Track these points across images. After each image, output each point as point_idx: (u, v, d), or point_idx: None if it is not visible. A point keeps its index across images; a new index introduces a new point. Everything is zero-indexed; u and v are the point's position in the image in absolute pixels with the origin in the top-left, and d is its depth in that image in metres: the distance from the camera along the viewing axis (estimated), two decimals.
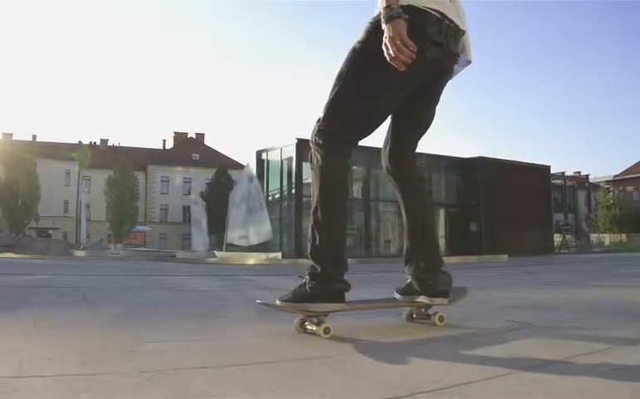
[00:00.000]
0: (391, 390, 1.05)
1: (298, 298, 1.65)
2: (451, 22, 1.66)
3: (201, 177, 45.36)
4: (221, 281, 5.33)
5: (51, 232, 37.25)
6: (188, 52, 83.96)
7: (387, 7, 1.53)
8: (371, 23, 1.67)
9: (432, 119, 1.88)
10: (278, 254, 14.67)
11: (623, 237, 35.37)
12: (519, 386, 1.06)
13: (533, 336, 1.68)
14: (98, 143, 50.48)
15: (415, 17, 1.54)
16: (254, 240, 15.93)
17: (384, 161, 1.90)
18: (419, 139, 1.90)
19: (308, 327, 1.65)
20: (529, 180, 20.76)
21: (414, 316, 1.90)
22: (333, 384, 1.11)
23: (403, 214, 1.90)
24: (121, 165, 40.58)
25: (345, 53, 1.71)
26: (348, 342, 1.53)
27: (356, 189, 18.18)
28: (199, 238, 21.59)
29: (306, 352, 1.43)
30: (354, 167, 15.77)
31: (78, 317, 2.23)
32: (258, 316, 2.09)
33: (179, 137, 53.82)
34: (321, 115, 1.71)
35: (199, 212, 22.35)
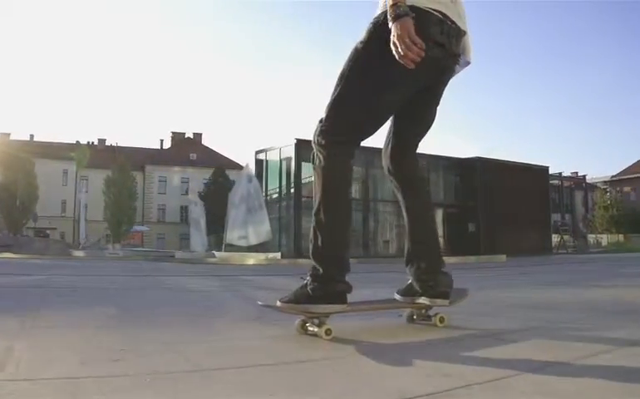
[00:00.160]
0: (393, 393, 1.05)
1: (300, 299, 1.64)
2: (453, 22, 1.66)
3: (199, 177, 45.35)
4: (221, 281, 5.32)
5: (48, 232, 37.18)
6: (185, 52, 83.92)
7: (394, 5, 1.52)
8: (372, 23, 1.67)
9: (433, 119, 1.89)
10: (278, 254, 14.67)
11: (621, 237, 35.46)
12: (520, 388, 1.06)
13: (533, 337, 1.68)
14: (96, 143, 50.39)
15: (417, 18, 1.54)
16: (253, 240, 15.92)
17: (385, 162, 1.90)
18: (420, 139, 1.90)
19: (310, 328, 1.64)
20: (528, 181, 20.81)
21: (414, 317, 1.89)
22: (334, 386, 1.11)
23: (404, 214, 1.90)
24: (120, 165, 40.48)
25: (344, 53, 1.71)
26: (350, 344, 1.53)
27: (355, 190, 18.17)
28: (198, 238, 21.60)
29: (307, 353, 1.43)
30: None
31: (77, 317, 2.23)
32: (258, 317, 2.09)
33: (177, 137, 53.73)
34: (323, 115, 1.71)
35: (198, 212, 22.36)
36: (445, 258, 1.90)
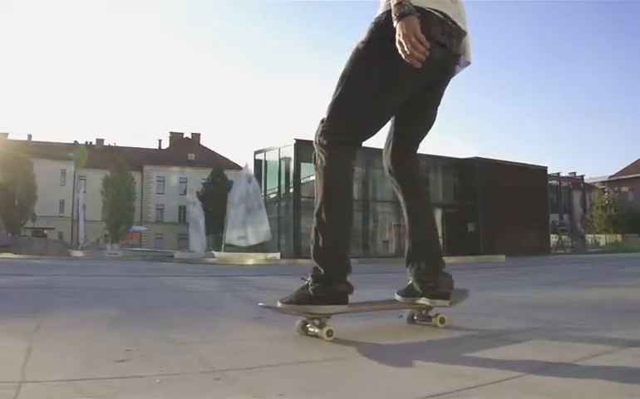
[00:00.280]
0: (395, 394, 1.05)
1: (301, 300, 1.64)
2: (454, 22, 1.66)
3: (197, 177, 45.29)
4: (221, 282, 5.32)
5: (46, 232, 37.09)
6: (184, 52, 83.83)
7: (399, 4, 1.52)
8: (374, 23, 1.67)
9: (434, 119, 1.89)
10: (277, 254, 14.67)
11: (619, 237, 35.52)
12: (522, 389, 1.06)
13: (534, 338, 1.68)
14: (94, 143, 50.29)
15: (419, 18, 1.54)
16: (253, 240, 15.93)
17: (386, 162, 1.89)
18: (421, 140, 1.90)
19: (310, 329, 1.64)
20: (526, 181, 20.86)
21: (415, 318, 1.89)
22: (337, 388, 1.11)
23: (405, 215, 1.89)
24: (118, 165, 40.43)
25: (344, 54, 1.71)
26: (351, 345, 1.53)
27: (354, 190, 18.16)
28: (197, 238, 21.59)
29: (308, 355, 1.43)
30: None
31: (80, 318, 2.23)
32: (259, 317, 2.08)
33: (175, 137, 53.66)
34: (324, 115, 1.70)
35: (197, 212, 22.34)
36: (444, 259, 1.90)
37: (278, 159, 18.33)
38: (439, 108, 1.87)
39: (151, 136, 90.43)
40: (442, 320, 1.80)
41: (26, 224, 36.78)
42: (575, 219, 31.80)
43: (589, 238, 34.98)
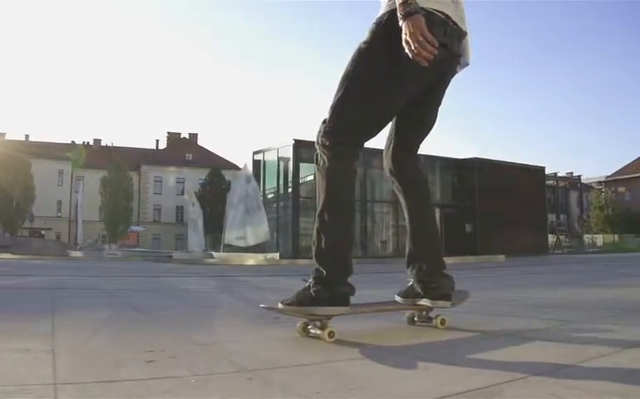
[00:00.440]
0: (396, 395, 1.05)
1: (303, 301, 1.63)
2: (454, 23, 1.66)
3: (194, 177, 45.22)
4: (221, 282, 5.32)
5: (43, 232, 37.02)
6: (181, 52, 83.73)
7: (404, 3, 1.50)
8: (375, 23, 1.66)
9: (435, 120, 1.88)
10: (276, 255, 14.65)
11: (616, 237, 35.63)
12: (522, 392, 1.06)
13: (535, 338, 1.67)
14: (91, 143, 50.19)
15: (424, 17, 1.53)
16: (252, 241, 15.91)
17: (387, 162, 1.89)
18: (422, 140, 1.90)
19: (312, 330, 1.63)
20: (524, 181, 20.89)
21: (415, 319, 1.89)
22: (340, 389, 1.10)
23: (405, 215, 1.89)
24: (116, 165, 40.35)
25: (343, 54, 1.71)
26: (352, 347, 1.52)
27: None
28: (196, 238, 21.57)
29: (309, 356, 1.42)
30: None
31: (94, 319, 2.19)
32: (259, 319, 2.07)
33: (173, 137, 53.59)
34: (326, 116, 1.69)
35: (196, 213, 22.32)
36: (444, 259, 1.90)
37: (276, 159, 18.31)
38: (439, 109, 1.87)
39: (149, 136, 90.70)
40: (443, 321, 1.80)
41: (23, 225, 36.65)
42: (572, 219, 31.87)
43: (587, 238, 35.08)
